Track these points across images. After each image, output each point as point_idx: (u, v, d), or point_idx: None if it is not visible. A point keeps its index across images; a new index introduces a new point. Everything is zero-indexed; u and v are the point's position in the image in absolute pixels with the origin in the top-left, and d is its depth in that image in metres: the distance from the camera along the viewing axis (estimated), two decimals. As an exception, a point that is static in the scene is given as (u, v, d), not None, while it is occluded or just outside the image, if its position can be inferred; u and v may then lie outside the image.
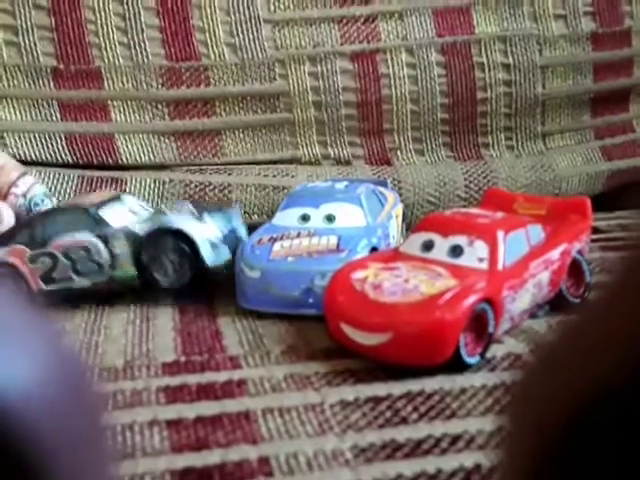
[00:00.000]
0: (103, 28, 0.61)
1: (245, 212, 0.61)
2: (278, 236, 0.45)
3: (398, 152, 0.65)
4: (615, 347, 0.12)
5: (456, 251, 0.39)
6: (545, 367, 0.14)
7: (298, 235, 0.45)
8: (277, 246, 0.44)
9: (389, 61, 0.64)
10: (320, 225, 0.46)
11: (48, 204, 0.53)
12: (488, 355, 0.37)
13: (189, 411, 0.33)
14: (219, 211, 0.49)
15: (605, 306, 0.13)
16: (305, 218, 0.47)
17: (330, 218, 0.46)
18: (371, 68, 0.63)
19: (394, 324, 0.35)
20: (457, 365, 0.35)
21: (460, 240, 0.39)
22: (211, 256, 0.45)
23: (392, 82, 0.64)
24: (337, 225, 0.46)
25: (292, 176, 0.63)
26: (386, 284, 0.37)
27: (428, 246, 0.40)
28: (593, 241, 0.53)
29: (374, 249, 0.44)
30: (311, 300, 0.42)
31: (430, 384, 0.35)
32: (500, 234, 0.39)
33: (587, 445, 0.12)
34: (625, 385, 0.11)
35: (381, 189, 0.52)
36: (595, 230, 0.56)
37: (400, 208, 0.53)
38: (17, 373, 0.11)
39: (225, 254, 0.46)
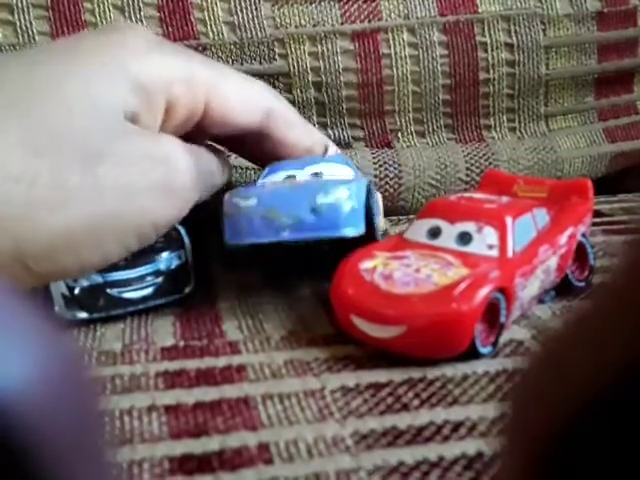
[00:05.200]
0: (99, 7, 0.59)
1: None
2: (265, 183, 0.43)
3: (399, 134, 0.65)
4: (623, 338, 0.12)
5: (465, 238, 0.38)
6: (550, 357, 0.14)
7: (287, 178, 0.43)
8: (268, 182, 0.42)
9: (390, 41, 0.63)
10: (308, 179, 0.43)
11: None
12: (490, 341, 0.37)
13: (188, 397, 0.33)
14: None
15: (613, 293, 0.13)
16: (291, 177, 0.43)
17: (317, 174, 0.43)
18: (372, 48, 0.62)
19: (409, 316, 0.34)
20: (471, 356, 0.35)
21: (468, 227, 0.38)
22: None
23: (393, 62, 0.63)
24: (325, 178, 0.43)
25: None
26: (397, 274, 0.36)
27: (435, 233, 0.39)
28: (596, 224, 0.52)
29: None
30: (316, 220, 0.37)
31: (432, 371, 0.34)
32: (509, 220, 0.38)
33: (590, 440, 0.12)
34: (633, 378, 0.11)
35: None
36: (598, 213, 0.55)
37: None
38: (13, 368, 0.11)
39: None
